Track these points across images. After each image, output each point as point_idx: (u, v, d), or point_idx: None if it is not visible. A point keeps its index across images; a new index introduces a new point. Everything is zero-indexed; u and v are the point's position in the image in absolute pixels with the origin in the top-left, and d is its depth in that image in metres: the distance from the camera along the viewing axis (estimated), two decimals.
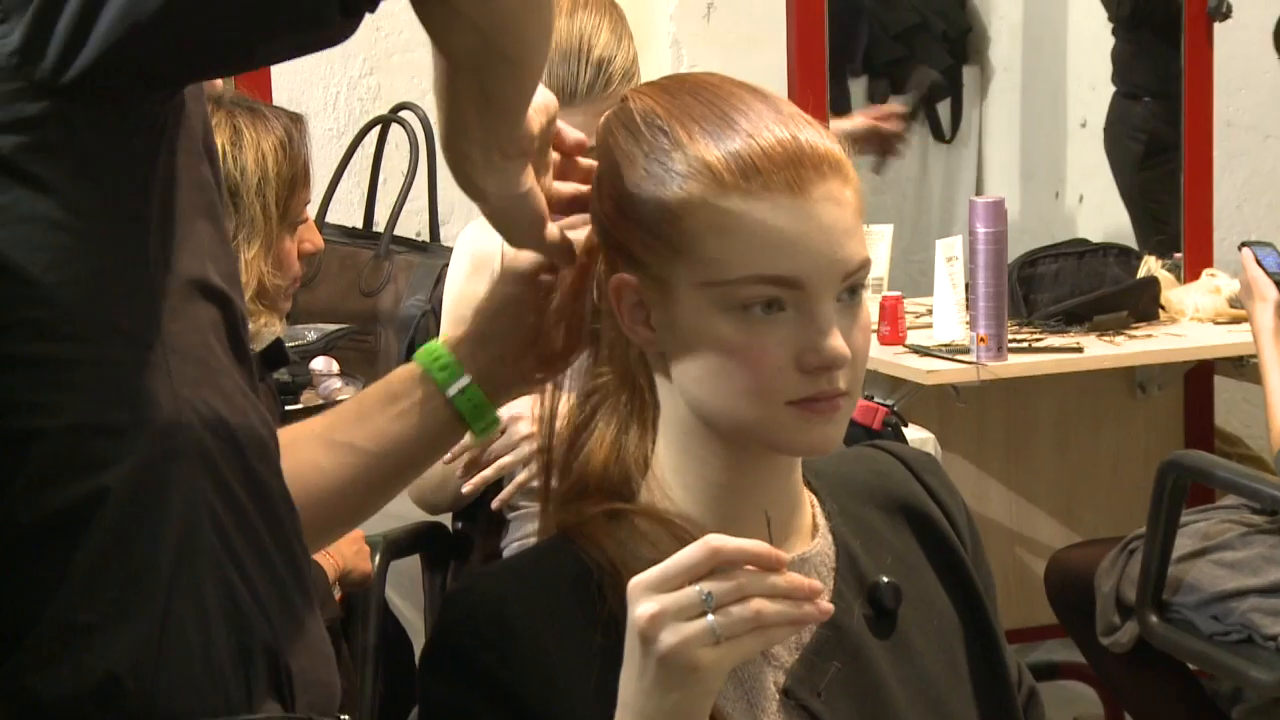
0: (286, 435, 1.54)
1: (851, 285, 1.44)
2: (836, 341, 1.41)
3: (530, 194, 1.50)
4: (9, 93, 1.33)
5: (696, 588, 1.30)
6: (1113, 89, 5.19)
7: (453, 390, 1.59)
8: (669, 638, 1.29)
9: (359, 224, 3.86)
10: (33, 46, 1.32)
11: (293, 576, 1.47)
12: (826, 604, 1.33)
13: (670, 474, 1.49)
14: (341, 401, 1.74)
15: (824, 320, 1.42)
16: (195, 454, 1.39)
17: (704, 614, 1.29)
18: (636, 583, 1.32)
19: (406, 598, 3.55)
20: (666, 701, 1.31)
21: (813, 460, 1.55)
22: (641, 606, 1.31)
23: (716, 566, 1.30)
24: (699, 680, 1.31)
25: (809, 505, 1.55)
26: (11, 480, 1.34)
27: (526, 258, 1.57)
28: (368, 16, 1.35)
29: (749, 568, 1.31)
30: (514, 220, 1.51)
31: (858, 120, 4.33)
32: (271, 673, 1.44)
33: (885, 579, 1.54)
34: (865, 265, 1.44)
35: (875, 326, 3.78)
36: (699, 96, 1.46)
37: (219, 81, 2.40)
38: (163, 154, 1.40)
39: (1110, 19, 5.17)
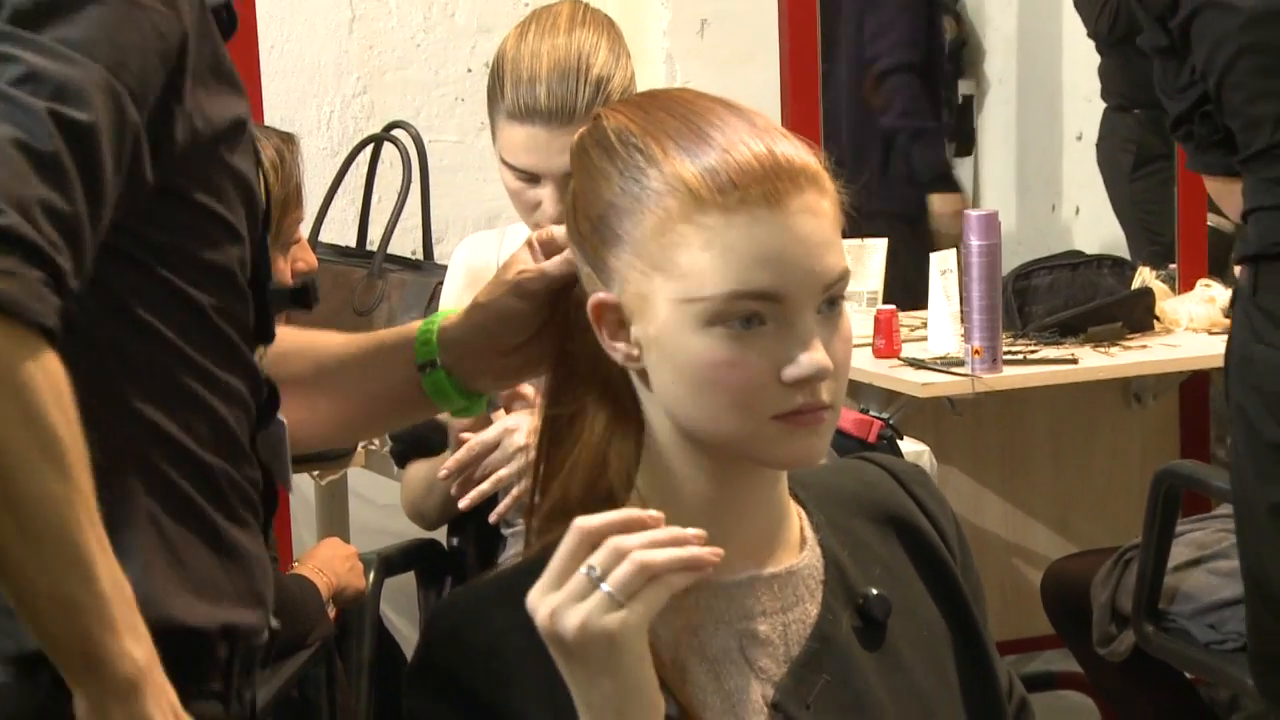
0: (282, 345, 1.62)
1: (831, 297, 1.43)
2: (818, 354, 1.41)
3: None
4: None
5: (581, 569, 1.32)
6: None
7: (423, 366, 1.64)
8: (571, 620, 1.31)
9: (352, 242, 3.86)
10: None
11: None
12: (718, 548, 1.33)
13: (654, 489, 1.49)
14: None
15: (805, 333, 1.41)
16: (133, 463, 1.46)
17: (596, 587, 1.31)
18: (531, 595, 1.34)
19: (402, 614, 3.55)
20: (606, 686, 1.32)
21: (800, 472, 1.55)
22: (540, 610, 1.33)
23: (594, 544, 1.32)
24: (620, 648, 1.31)
25: (796, 517, 1.55)
26: None
27: (538, 279, 1.59)
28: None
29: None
30: None
31: None
32: None
33: (874, 591, 1.54)
34: (844, 276, 1.44)
35: (871, 340, 3.78)
36: (672, 112, 1.45)
37: None
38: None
39: (1089, 35, 5.18)
